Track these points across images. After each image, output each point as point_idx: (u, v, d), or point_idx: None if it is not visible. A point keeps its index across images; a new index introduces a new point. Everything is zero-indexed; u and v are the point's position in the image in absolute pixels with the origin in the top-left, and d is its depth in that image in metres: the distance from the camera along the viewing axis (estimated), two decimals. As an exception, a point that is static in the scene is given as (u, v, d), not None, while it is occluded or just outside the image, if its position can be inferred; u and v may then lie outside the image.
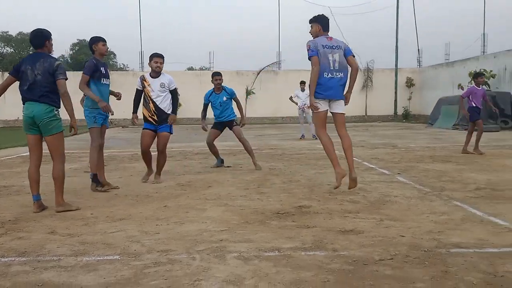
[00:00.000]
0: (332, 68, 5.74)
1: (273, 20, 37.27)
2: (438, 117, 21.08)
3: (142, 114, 6.88)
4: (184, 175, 7.59)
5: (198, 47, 63.96)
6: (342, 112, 5.94)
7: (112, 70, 30.73)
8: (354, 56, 5.97)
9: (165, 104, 6.76)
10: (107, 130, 6.70)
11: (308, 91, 16.76)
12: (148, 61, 6.83)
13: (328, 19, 6.03)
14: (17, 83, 5.13)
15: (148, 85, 6.75)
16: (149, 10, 60.32)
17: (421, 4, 51.91)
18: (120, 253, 3.63)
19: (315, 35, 5.94)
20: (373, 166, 8.17)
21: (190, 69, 36.91)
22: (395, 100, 27.66)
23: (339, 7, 47.01)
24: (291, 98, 15.44)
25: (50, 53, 5.22)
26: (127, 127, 23.42)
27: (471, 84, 20.86)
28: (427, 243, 3.73)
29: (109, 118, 6.61)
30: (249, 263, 3.35)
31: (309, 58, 5.75)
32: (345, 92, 5.95)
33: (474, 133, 10.07)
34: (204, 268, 3.26)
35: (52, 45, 5.22)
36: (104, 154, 6.59)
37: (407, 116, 27.25)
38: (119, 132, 20.63)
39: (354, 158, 6.06)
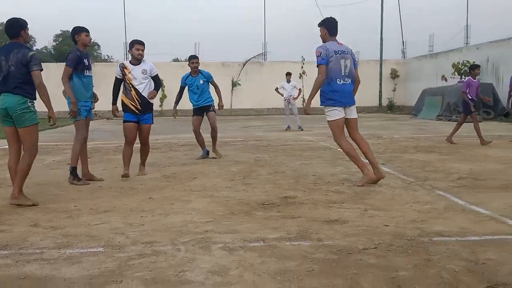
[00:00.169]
0: (343, 74, 5.74)
1: (259, 11, 37.02)
2: (422, 108, 21.31)
3: (121, 104, 6.64)
4: (169, 166, 7.56)
5: (184, 39, 63.55)
6: (356, 117, 6.00)
7: (96, 62, 30.36)
8: (357, 69, 6.01)
9: (148, 91, 6.65)
10: (91, 122, 6.62)
11: (294, 83, 16.71)
12: (129, 49, 6.71)
13: (336, 22, 5.91)
14: None
15: (129, 72, 6.59)
16: (134, 1, 59.69)
17: (406, -4, 52.03)
18: (104, 245, 3.60)
19: (323, 39, 5.89)
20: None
21: (176, 60, 36.56)
22: (380, 91, 27.84)
23: (325, -2, 46.79)
24: (276, 90, 15.40)
25: (27, 43, 5.11)
26: (112, 119, 23.17)
27: (454, 75, 21.22)
28: (411, 232, 3.77)
29: (92, 110, 6.51)
30: (234, 254, 3.36)
31: (317, 65, 5.69)
32: None
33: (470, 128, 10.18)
34: (189, 259, 3.25)
35: (28, 34, 5.10)
36: (88, 146, 6.50)
37: (391, 107, 27.48)
38: (104, 124, 20.44)
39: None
